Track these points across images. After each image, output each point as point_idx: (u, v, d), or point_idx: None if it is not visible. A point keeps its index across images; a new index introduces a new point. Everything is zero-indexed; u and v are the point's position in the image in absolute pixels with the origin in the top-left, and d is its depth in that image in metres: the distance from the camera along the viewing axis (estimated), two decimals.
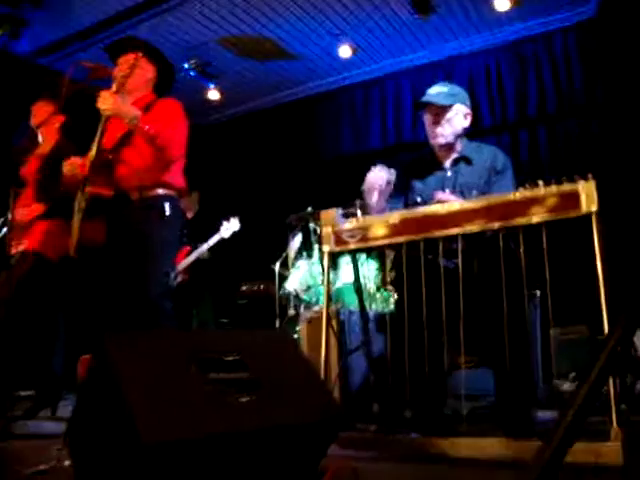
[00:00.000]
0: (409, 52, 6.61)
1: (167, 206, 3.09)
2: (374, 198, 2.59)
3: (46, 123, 3.78)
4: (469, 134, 2.99)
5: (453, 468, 2.05)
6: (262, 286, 6.55)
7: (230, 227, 5.59)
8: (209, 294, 6.16)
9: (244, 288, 6.72)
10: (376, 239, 2.37)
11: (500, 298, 2.16)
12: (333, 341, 2.76)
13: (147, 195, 3.09)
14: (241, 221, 6.62)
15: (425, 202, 2.68)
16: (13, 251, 3.61)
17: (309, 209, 5.33)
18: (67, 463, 1.95)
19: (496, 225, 2.23)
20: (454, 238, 2.26)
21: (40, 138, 3.82)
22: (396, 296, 2.64)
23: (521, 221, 2.19)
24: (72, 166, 3.13)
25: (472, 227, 2.21)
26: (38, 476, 2.07)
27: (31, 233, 3.45)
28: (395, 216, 2.37)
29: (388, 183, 2.62)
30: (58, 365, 5.28)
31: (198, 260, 5.68)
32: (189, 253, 5.66)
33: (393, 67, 6.88)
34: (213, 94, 7.23)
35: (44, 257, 3.56)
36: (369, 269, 4.69)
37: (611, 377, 1.79)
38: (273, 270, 5.71)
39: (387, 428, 2.45)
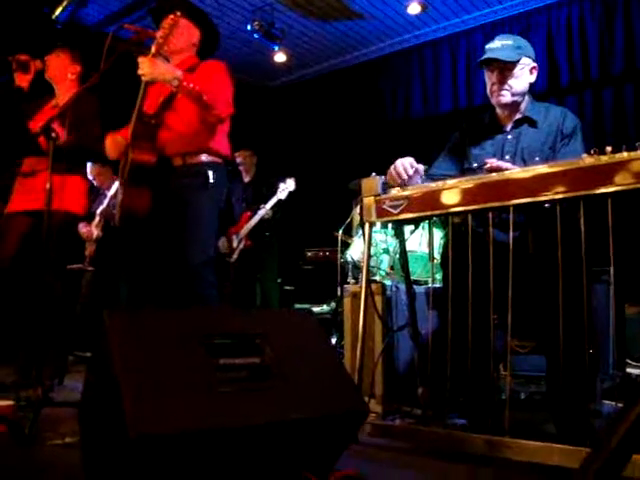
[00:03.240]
0: (483, 7, 6.21)
1: (211, 174, 2.97)
2: None
3: (61, 74, 3.63)
4: (544, 94, 2.69)
5: (497, 471, 1.86)
6: (327, 253, 6.44)
7: (286, 188, 5.47)
8: (274, 259, 6.08)
9: (309, 254, 6.63)
10: (420, 209, 2.16)
11: (557, 278, 1.91)
12: (378, 319, 2.58)
13: (191, 162, 2.99)
14: (308, 185, 6.47)
15: (481, 169, 2.44)
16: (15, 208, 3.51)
17: (373, 174, 5.12)
18: None
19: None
20: (504, 210, 2.02)
21: (55, 90, 3.66)
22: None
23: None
24: (115, 144, 3.03)
25: (523, 198, 1.95)
26: (62, 449, 2.04)
27: (43, 189, 2.92)
28: (441, 186, 2.15)
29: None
30: None
31: (262, 222, 5.61)
32: (250, 218, 5.59)
33: (466, 24, 6.50)
34: (279, 56, 7.08)
35: (74, 214, 3.53)
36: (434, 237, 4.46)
37: None
38: (337, 237, 5.57)
39: (432, 414, 2.27)
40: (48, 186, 2.68)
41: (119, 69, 3.23)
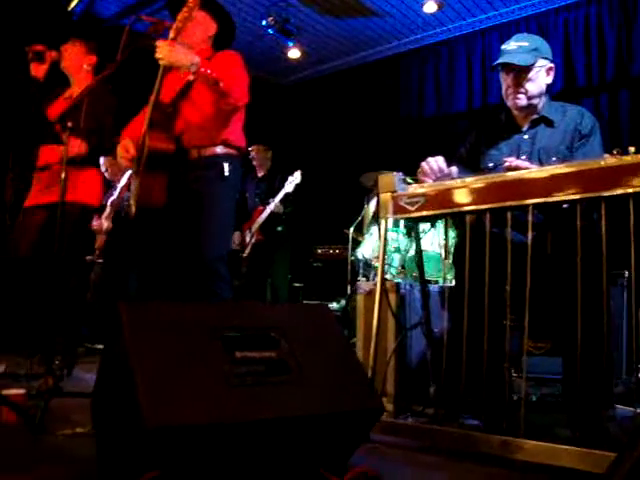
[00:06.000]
0: (499, 6, 6.17)
1: (226, 166, 2.96)
2: None
3: (76, 65, 3.63)
4: (559, 95, 2.65)
5: (509, 472, 1.85)
6: (337, 250, 6.43)
7: (293, 180, 5.46)
8: (286, 255, 6.07)
9: (319, 251, 6.62)
10: (437, 207, 2.14)
11: (575, 279, 1.89)
12: (391, 317, 2.57)
13: (206, 154, 2.97)
14: (320, 182, 6.42)
15: (497, 169, 2.43)
16: (32, 202, 3.54)
17: (396, 173, 5.09)
18: None
19: (581, 196, 1.92)
20: (522, 209, 1.99)
21: (70, 80, 3.68)
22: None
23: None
24: (124, 150, 3.00)
25: (542, 198, 1.93)
26: (73, 440, 2.03)
27: (58, 182, 2.92)
28: (459, 184, 2.13)
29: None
30: None
31: (273, 216, 5.60)
32: (262, 213, 5.59)
33: (482, 23, 6.47)
34: (293, 52, 7.06)
35: (89, 206, 3.54)
36: (447, 238, 4.44)
37: None
38: (347, 234, 5.56)
39: (444, 413, 2.25)
40: (63, 176, 2.67)
41: (132, 63, 3.23)
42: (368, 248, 4.99)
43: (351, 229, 5.49)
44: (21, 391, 2.37)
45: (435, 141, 6.47)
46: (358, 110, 7.37)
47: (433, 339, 2.45)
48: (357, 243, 5.37)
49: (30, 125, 3.55)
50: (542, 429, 2.26)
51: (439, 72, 6.85)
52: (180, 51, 2.74)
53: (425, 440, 2.04)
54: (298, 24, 6.53)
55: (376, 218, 5.23)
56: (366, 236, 5.17)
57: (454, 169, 2.35)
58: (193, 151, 2.97)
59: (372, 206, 5.47)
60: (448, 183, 2.18)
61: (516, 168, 2.13)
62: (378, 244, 4.79)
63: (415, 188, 2.25)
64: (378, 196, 2.33)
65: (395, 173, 2.33)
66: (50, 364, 2.69)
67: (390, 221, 4.58)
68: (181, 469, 1.36)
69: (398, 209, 2.25)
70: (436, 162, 2.35)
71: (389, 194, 2.27)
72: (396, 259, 4.71)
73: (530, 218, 1.97)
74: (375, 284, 2.79)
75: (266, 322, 1.63)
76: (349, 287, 5.33)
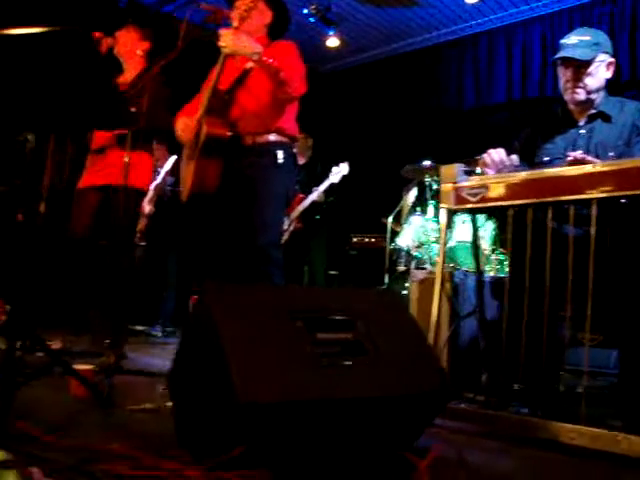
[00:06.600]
0: None
1: (280, 154, 3.02)
2: None
3: (130, 51, 3.70)
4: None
5: (569, 458, 1.90)
6: (373, 239, 6.48)
7: (340, 171, 5.50)
8: (322, 243, 6.13)
9: (355, 240, 6.67)
10: (498, 199, 2.19)
11: (636, 272, 1.92)
12: (444, 304, 2.62)
13: (260, 141, 3.03)
14: (356, 171, 6.47)
15: (552, 162, 2.46)
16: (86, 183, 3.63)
17: (427, 162, 5.12)
18: (170, 404, 1.92)
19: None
20: (584, 204, 2.03)
21: (123, 66, 3.76)
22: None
23: None
24: (187, 126, 3.09)
25: (605, 193, 1.96)
26: (143, 414, 2.12)
27: (113, 165, 3.19)
28: (521, 176, 2.16)
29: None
30: (170, 308, 5.51)
31: (314, 205, 5.66)
32: (302, 200, 5.65)
33: (523, 14, 6.42)
34: (332, 41, 7.08)
35: (141, 190, 3.64)
36: (485, 230, 4.48)
37: None
38: (385, 223, 5.61)
39: (496, 401, 2.30)
40: (126, 160, 2.74)
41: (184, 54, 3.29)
42: (407, 238, 5.03)
43: (390, 219, 5.53)
44: (89, 367, 2.46)
45: (474, 132, 6.47)
46: (397, 100, 7.38)
47: (487, 328, 2.50)
48: (394, 233, 5.42)
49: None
50: (593, 419, 2.31)
51: (478, 63, 6.83)
52: (244, 40, 2.79)
53: (484, 425, 2.10)
54: (339, 13, 6.56)
55: (415, 208, 5.29)
56: (404, 226, 5.20)
57: (515, 157, 2.38)
58: (248, 138, 3.04)
59: (411, 196, 5.50)
60: (509, 175, 2.22)
61: (581, 162, 2.15)
62: (418, 233, 4.87)
63: (476, 180, 2.29)
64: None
65: (457, 164, 2.37)
66: (114, 343, 2.79)
67: (430, 213, 4.60)
68: (265, 445, 1.43)
69: (460, 200, 2.30)
70: (498, 154, 2.38)
71: (451, 185, 2.32)
72: (436, 249, 4.75)
73: (594, 212, 2.00)
74: (429, 273, 2.86)
75: (342, 305, 1.70)
76: (386, 275, 5.38)
